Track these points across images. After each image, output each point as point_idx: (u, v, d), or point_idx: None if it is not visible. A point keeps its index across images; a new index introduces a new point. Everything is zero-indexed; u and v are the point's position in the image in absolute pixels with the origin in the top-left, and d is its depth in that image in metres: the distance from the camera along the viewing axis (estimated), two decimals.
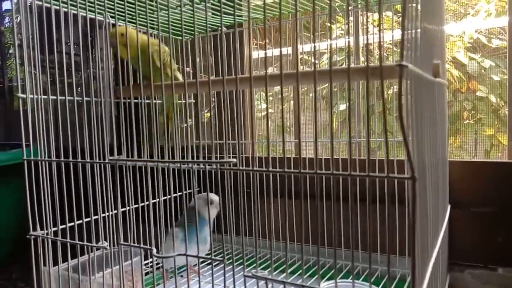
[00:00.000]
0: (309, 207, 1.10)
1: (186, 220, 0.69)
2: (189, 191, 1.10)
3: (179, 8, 0.90)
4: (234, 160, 0.62)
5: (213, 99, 1.28)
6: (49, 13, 0.79)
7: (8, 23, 2.39)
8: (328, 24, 1.36)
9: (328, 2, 0.99)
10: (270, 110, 1.22)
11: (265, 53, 0.68)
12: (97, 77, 0.85)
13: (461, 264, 1.04)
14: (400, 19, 1.33)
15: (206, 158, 1.02)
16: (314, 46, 0.62)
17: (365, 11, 1.08)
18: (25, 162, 0.79)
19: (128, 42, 0.70)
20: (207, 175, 0.70)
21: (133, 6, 0.72)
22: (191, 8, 0.84)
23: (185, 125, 1.08)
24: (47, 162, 0.79)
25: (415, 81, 0.52)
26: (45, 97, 0.79)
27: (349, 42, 0.60)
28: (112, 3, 0.72)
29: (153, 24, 0.96)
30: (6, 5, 2.26)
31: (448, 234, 0.98)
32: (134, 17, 0.84)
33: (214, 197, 1.02)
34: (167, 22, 0.68)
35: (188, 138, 0.79)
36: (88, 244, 0.76)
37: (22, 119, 0.77)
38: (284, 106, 1.26)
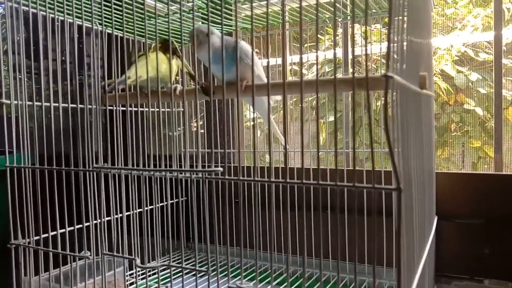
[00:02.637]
0: (296, 218, 1.09)
1: None
2: (175, 200, 1.09)
3: (167, 16, 0.90)
4: (221, 169, 0.61)
5: (202, 108, 1.28)
6: (36, 20, 0.78)
7: None
8: (319, 36, 1.37)
9: (316, 13, 1.00)
10: (259, 120, 1.22)
11: (252, 63, 0.68)
12: (84, 85, 0.85)
13: (448, 275, 1.04)
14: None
15: (194, 167, 1.01)
16: (301, 57, 0.62)
17: (353, 23, 1.09)
18: (8, 169, 0.77)
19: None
20: (194, 184, 0.69)
21: (121, 13, 0.72)
22: (179, 17, 0.84)
23: (174, 133, 1.07)
24: (30, 170, 0.78)
25: (401, 92, 0.53)
26: (30, 103, 0.78)
27: (335, 53, 0.61)
28: (100, 10, 0.72)
29: (141, 32, 0.96)
30: None
31: (435, 246, 0.98)
32: (121, 25, 0.84)
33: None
34: (154, 30, 0.68)
35: (175, 146, 0.78)
36: (71, 253, 0.75)
37: (6, 126, 0.76)
38: (273, 117, 1.26)
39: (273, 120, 0.89)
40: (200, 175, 0.63)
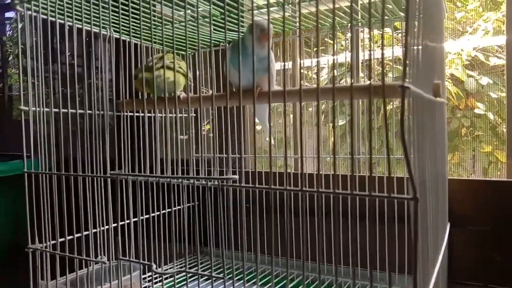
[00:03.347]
0: (308, 224, 1.10)
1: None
2: (189, 204, 1.10)
3: (182, 23, 0.91)
4: (236, 176, 0.62)
5: (213, 112, 1.29)
6: (52, 25, 0.79)
7: (9, 31, 2.39)
8: (329, 41, 1.37)
9: (329, 19, 1.01)
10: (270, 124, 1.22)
11: (269, 70, 0.68)
12: (99, 90, 0.86)
13: (460, 282, 1.04)
14: (399, 35, 1.33)
15: (207, 173, 1.02)
16: (318, 62, 0.62)
17: (364, 27, 1.09)
18: (26, 174, 0.79)
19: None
20: (207, 190, 0.70)
21: (138, 21, 0.73)
22: (195, 23, 0.85)
23: (185, 137, 1.08)
24: (47, 175, 0.79)
25: (416, 101, 0.53)
26: (47, 109, 0.79)
27: (351, 60, 0.61)
28: (117, 18, 0.73)
29: (156, 39, 0.97)
30: (8, 13, 2.27)
31: (448, 253, 0.98)
32: (138, 32, 0.85)
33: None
34: (171, 36, 0.69)
35: (189, 151, 0.79)
36: (87, 258, 0.76)
37: (24, 131, 0.78)
38: (281, 121, 1.26)
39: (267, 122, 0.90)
40: (216, 182, 0.64)
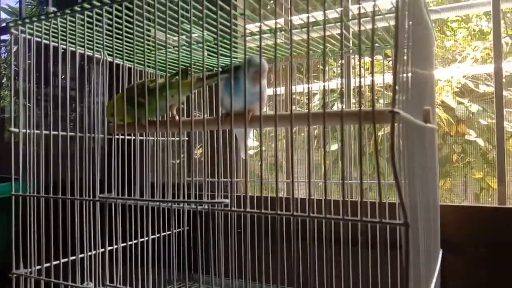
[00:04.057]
0: (300, 249, 1.08)
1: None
2: (178, 230, 1.09)
3: (176, 48, 0.92)
4: (226, 200, 0.61)
5: (206, 137, 1.29)
6: (46, 48, 0.80)
7: (4, 53, 2.40)
8: (321, 67, 1.39)
9: (320, 46, 1.03)
10: (262, 148, 1.23)
11: (260, 94, 0.69)
12: (90, 113, 0.86)
13: None
14: (390, 63, 1.36)
15: (198, 197, 1.02)
16: (309, 89, 0.63)
17: (356, 55, 1.11)
18: (13, 197, 0.77)
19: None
20: (197, 215, 0.69)
21: (132, 45, 0.74)
22: (188, 48, 0.86)
23: (177, 161, 1.08)
24: (35, 198, 0.78)
25: (406, 127, 0.53)
26: (38, 131, 0.79)
27: (341, 86, 0.62)
28: (111, 42, 0.74)
29: (149, 63, 0.98)
30: (3, 36, 2.28)
31: (440, 279, 0.97)
32: (131, 56, 0.85)
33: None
34: (164, 61, 0.69)
35: (180, 175, 0.79)
36: (73, 284, 0.74)
37: (13, 153, 0.77)
38: (275, 144, 1.26)
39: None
40: (206, 206, 0.63)
